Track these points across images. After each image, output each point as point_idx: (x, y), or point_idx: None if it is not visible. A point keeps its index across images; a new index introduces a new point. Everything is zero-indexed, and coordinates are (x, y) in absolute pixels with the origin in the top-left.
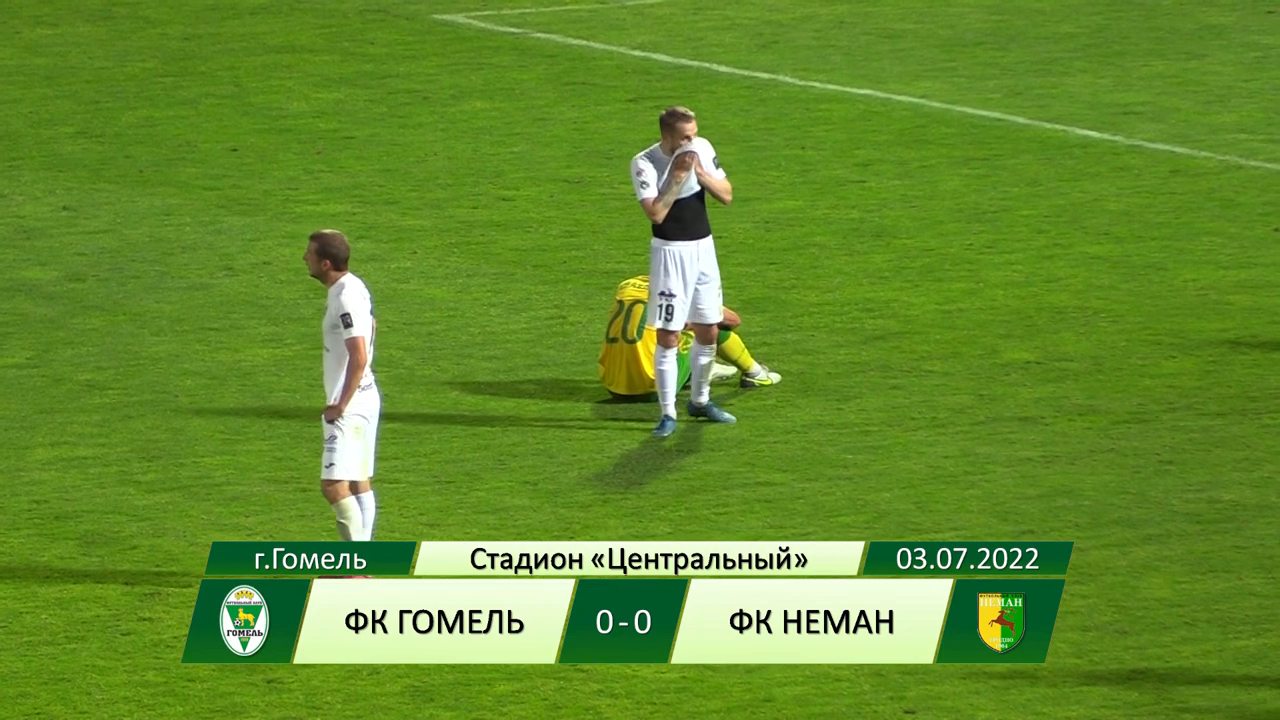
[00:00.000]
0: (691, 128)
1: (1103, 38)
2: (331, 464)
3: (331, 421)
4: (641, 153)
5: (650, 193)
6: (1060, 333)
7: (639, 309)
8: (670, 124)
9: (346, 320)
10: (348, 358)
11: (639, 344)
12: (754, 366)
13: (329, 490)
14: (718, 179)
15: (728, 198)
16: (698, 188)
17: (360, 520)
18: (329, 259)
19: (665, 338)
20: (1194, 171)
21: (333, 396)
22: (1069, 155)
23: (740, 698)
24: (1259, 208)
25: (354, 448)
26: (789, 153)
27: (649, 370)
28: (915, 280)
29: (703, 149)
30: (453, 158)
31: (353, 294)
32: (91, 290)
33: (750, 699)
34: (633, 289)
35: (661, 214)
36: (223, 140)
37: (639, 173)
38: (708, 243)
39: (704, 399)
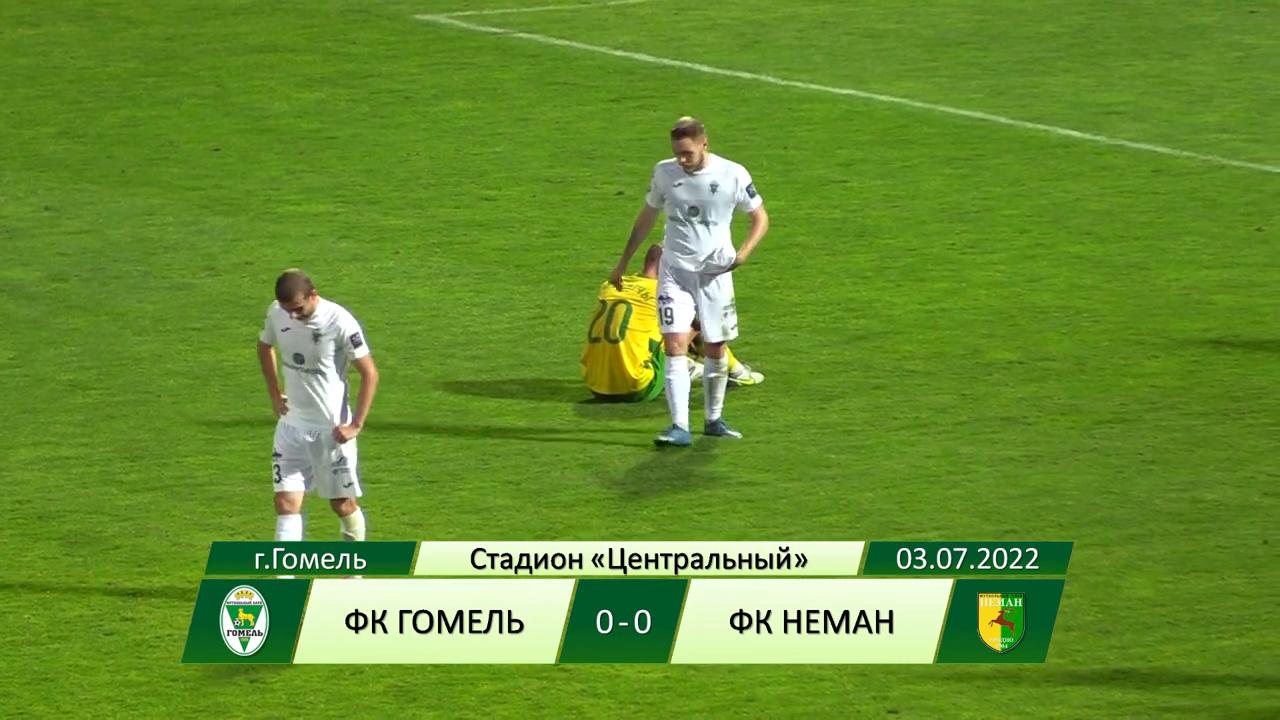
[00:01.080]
0: (684, 144)
1: (1085, 37)
2: (351, 483)
3: (344, 441)
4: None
5: (649, 200)
6: (1043, 332)
7: (621, 309)
8: (671, 139)
9: (357, 339)
10: (362, 376)
11: (621, 344)
12: (736, 366)
13: (347, 506)
14: (745, 253)
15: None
16: (715, 220)
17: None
18: (314, 289)
19: (669, 344)
20: (1176, 171)
21: (348, 418)
22: (1051, 155)
23: (723, 697)
24: (1241, 207)
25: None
26: (771, 152)
27: (631, 370)
28: (898, 280)
29: (737, 176)
30: (435, 157)
31: (351, 314)
32: (74, 290)
33: (733, 698)
34: (615, 289)
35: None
36: (205, 140)
37: (651, 176)
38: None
39: (715, 415)
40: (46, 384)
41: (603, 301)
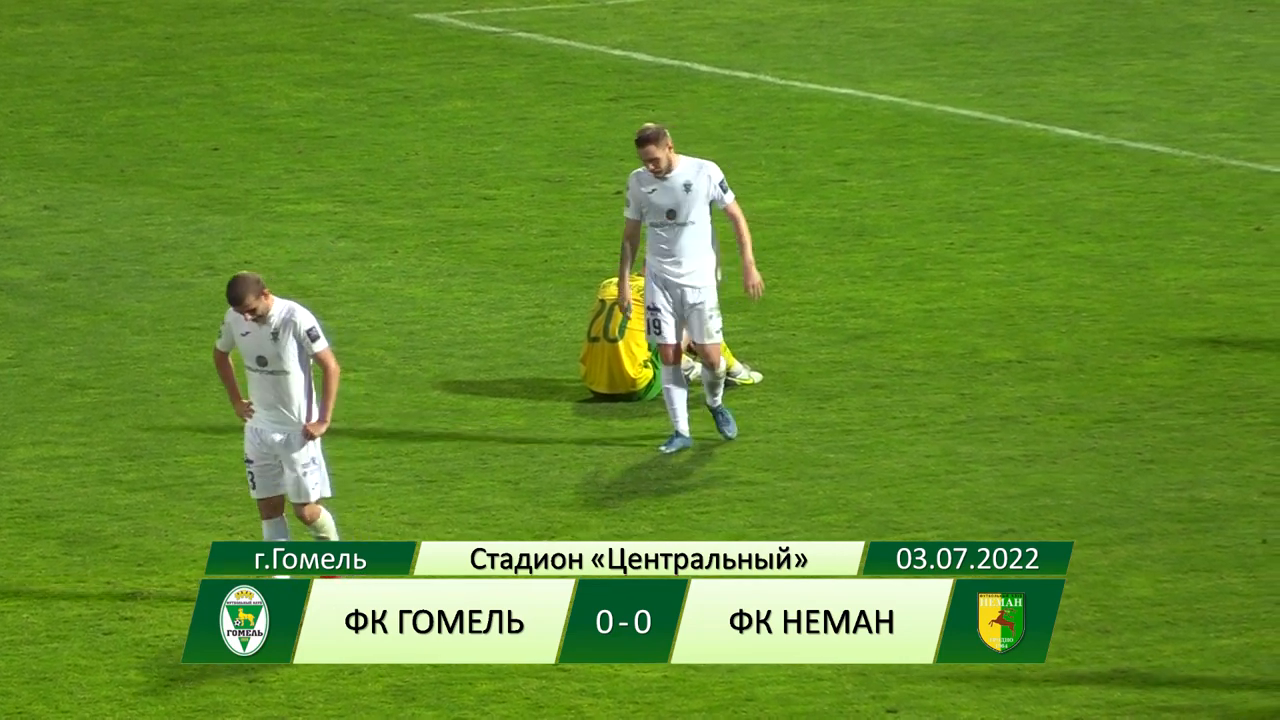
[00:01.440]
0: (649, 151)
1: (1084, 37)
2: (319, 482)
3: (312, 438)
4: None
5: (629, 213)
6: (1041, 332)
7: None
8: (636, 148)
9: (314, 333)
10: (323, 370)
11: (620, 343)
12: (735, 365)
13: (311, 510)
14: (746, 257)
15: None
16: (693, 220)
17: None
18: (266, 289)
19: (663, 354)
20: (1175, 171)
21: (315, 415)
22: (1050, 154)
23: (722, 697)
24: (1240, 207)
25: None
26: (770, 152)
27: (630, 369)
28: (896, 279)
29: (710, 173)
30: (434, 157)
31: (307, 309)
32: (73, 289)
33: (732, 698)
34: (614, 288)
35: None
36: (204, 139)
37: (627, 189)
38: (701, 270)
39: (717, 402)
40: (45, 383)
41: (602, 301)
